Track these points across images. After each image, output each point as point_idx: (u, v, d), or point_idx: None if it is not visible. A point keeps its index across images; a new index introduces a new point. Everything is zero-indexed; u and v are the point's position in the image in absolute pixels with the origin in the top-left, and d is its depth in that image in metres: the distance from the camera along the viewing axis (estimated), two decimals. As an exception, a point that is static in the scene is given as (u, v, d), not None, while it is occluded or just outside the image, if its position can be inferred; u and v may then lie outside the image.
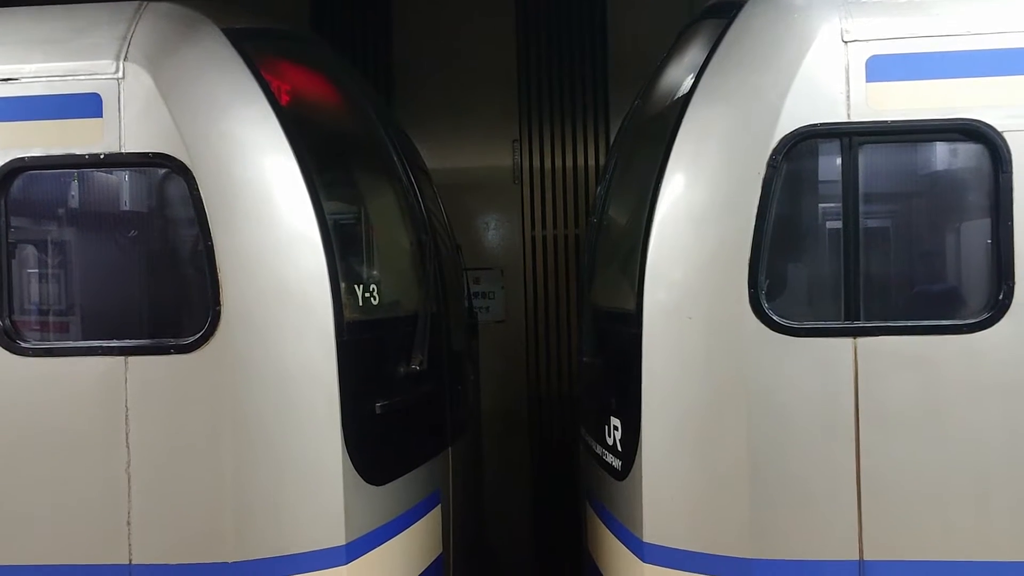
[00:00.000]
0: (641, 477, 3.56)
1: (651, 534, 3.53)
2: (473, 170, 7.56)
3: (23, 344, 3.54)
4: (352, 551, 3.70)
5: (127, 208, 3.71)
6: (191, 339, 3.49)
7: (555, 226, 7.62)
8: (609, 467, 3.94)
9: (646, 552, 3.54)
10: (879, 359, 3.35)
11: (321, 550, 3.63)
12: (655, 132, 3.89)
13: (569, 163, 7.53)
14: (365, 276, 4.11)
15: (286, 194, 3.63)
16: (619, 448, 3.83)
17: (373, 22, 7.55)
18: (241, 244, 3.54)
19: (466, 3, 7.55)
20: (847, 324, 3.39)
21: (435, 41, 7.52)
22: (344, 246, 3.94)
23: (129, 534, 3.50)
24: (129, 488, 3.50)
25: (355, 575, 3.70)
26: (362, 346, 3.87)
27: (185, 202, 3.53)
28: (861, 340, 3.36)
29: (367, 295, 4.04)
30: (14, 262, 3.63)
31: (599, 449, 4.13)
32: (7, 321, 3.55)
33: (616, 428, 3.85)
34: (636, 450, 3.60)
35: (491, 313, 7.63)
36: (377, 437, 3.94)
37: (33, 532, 3.55)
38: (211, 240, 3.49)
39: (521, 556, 7.05)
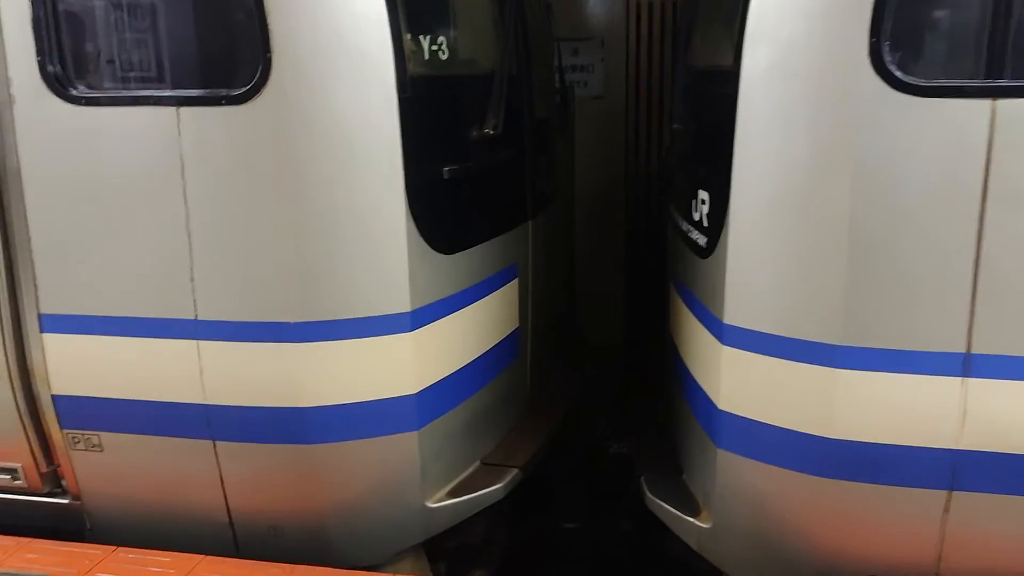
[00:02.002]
0: (726, 253, 3.24)
1: (732, 315, 3.25)
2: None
3: (74, 92, 3.38)
4: (417, 318, 3.59)
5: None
6: (242, 89, 3.25)
7: (663, -9, 6.89)
8: (694, 244, 3.63)
9: (726, 333, 3.28)
10: (1021, 127, 2.82)
11: (385, 315, 3.52)
12: None
13: (679, -85, 6.69)
14: (433, 28, 3.72)
15: (342, -72, 3.22)
16: (705, 223, 3.49)
17: None
18: (292, -16, 3.20)
19: None
20: (987, 83, 2.83)
21: None
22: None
23: (193, 289, 3.46)
24: (190, 244, 3.41)
25: (420, 343, 3.61)
26: (428, 104, 3.56)
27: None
28: (1002, 103, 2.82)
29: (434, 49, 3.67)
30: (64, 7, 3.41)
31: (685, 226, 3.80)
32: (57, 68, 3.38)
33: (703, 202, 3.49)
34: (723, 224, 3.26)
35: (589, 88, 7.13)
36: (445, 203, 3.72)
37: (102, 282, 3.55)
38: (258, -24, 3.15)
39: (611, 339, 6.96)
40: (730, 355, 3.28)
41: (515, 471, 4.13)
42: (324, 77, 3.28)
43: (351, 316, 3.49)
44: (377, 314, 3.51)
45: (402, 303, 3.53)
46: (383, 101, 3.34)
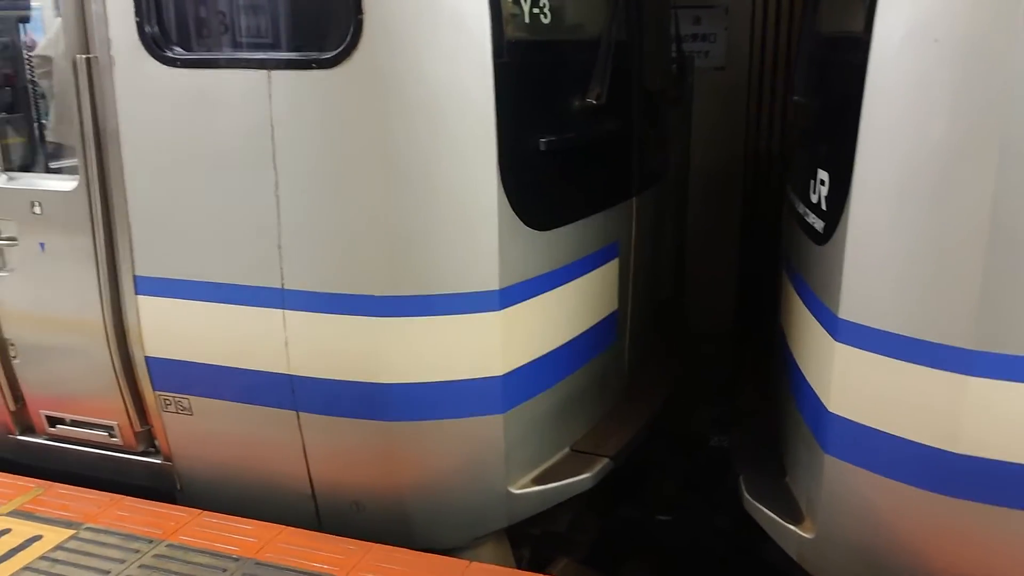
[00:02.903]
0: (844, 240, 2.91)
1: (849, 309, 2.92)
2: None
3: (170, 54, 3.34)
4: (507, 297, 3.42)
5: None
6: (333, 53, 3.13)
7: (797, -44, 6.41)
8: (810, 229, 3.30)
9: (840, 329, 2.96)
10: None
11: (472, 292, 3.37)
12: None
13: None
14: (535, -12, 3.51)
15: None
16: (823, 206, 3.16)
17: None
18: (384, -60, 3.05)
19: None
20: None
21: None
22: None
23: (280, 257, 3.39)
24: (278, 211, 3.34)
25: (509, 322, 3.45)
26: (526, 70, 3.37)
27: None
28: None
29: (536, 11, 3.45)
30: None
31: (801, 208, 3.48)
32: (155, 29, 3.35)
33: (823, 183, 3.17)
34: (843, 208, 2.93)
35: (710, 58, 6.72)
36: (541, 177, 3.52)
37: (192, 246, 3.53)
38: (356, -66, 3.01)
39: (720, 324, 6.62)
40: (844, 353, 2.96)
41: (606, 460, 3.93)
42: (416, 40, 3.13)
43: (438, 292, 3.35)
44: (465, 291, 3.36)
45: (491, 280, 3.36)
46: (477, 66, 3.17)
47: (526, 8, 3.39)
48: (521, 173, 3.36)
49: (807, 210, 3.38)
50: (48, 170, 4.13)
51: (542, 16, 3.48)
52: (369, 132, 3.21)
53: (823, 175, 3.17)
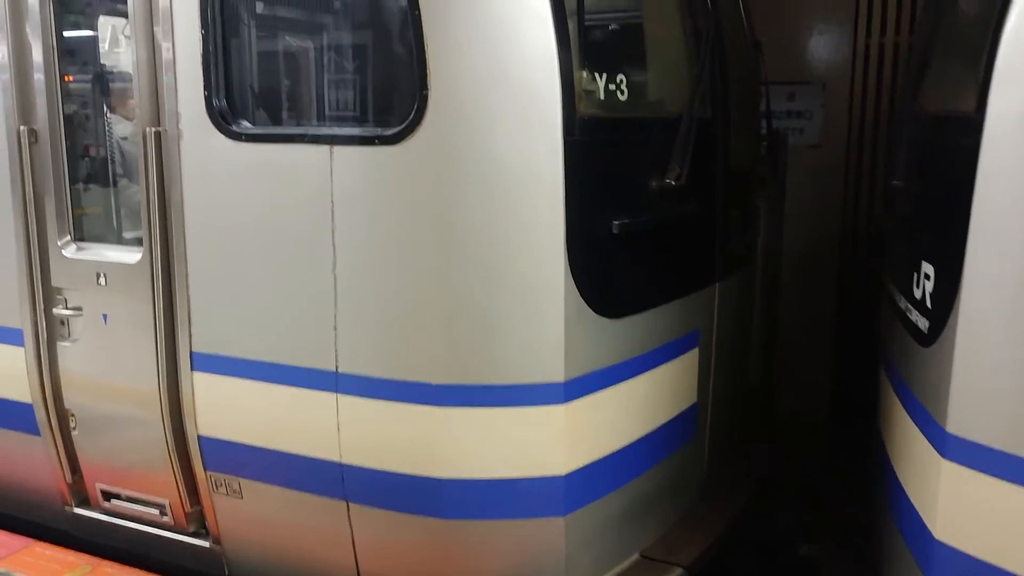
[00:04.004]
0: (953, 343, 2.56)
1: (958, 423, 2.56)
2: (797, -40, 6.23)
3: (236, 128, 3.28)
4: (573, 389, 3.17)
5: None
6: (396, 129, 3.01)
7: (896, 32, 6.11)
8: (913, 327, 2.96)
9: (948, 445, 2.59)
10: None
11: (536, 384, 3.13)
12: None
13: (924, -52, 5.90)
14: (613, 64, 3.33)
15: (511, -44, 2.93)
16: (928, 303, 2.82)
17: None
18: (453, 15, 2.93)
19: None
20: None
21: None
22: (586, 25, 3.18)
23: (335, 339, 3.24)
24: (335, 290, 3.20)
25: (574, 417, 3.19)
26: (599, 148, 3.18)
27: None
28: None
29: (612, 87, 3.27)
30: (231, 44, 3.34)
31: (903, 303, 3.13)
32: (222, 103, 3.30)
33: (927, 276, 2.83)
34: (952, 306, 2.59)
35: (805, 136, 6.44)
36: (613, 261, 3.29)
37: (248, 323, 3.42)
38: (418, 9, 2.91)
39: (812, 418, 6.17)
40: (953, 473, 2.58)
41: (679, 570, 3.60)
42: (483, 116, 2.99)
43: (498, 382, 3.13)
44: (527, 382, 3.13)
45: (556, 371, 3.13)
46: (547, 144, 2.99)
47: (601, 84, 3.22)
48: (591, 257, 3.14)
49: (909, 306, 3.04)
50: (121, 241, 4.12)
51: (618, 92, 3.30)
52: (431, 211, 3.05)
53: (928, 268, 2.84)
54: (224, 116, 3.31)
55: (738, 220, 4.26)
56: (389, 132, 3.02)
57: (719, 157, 3.93)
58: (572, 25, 3.03)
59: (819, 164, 6.37)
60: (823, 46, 6.36)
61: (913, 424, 2.89)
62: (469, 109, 2.97)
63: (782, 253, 5.87)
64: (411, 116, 2.98)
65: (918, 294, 2.94)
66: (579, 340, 3.16)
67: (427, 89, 2.94)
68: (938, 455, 2.64)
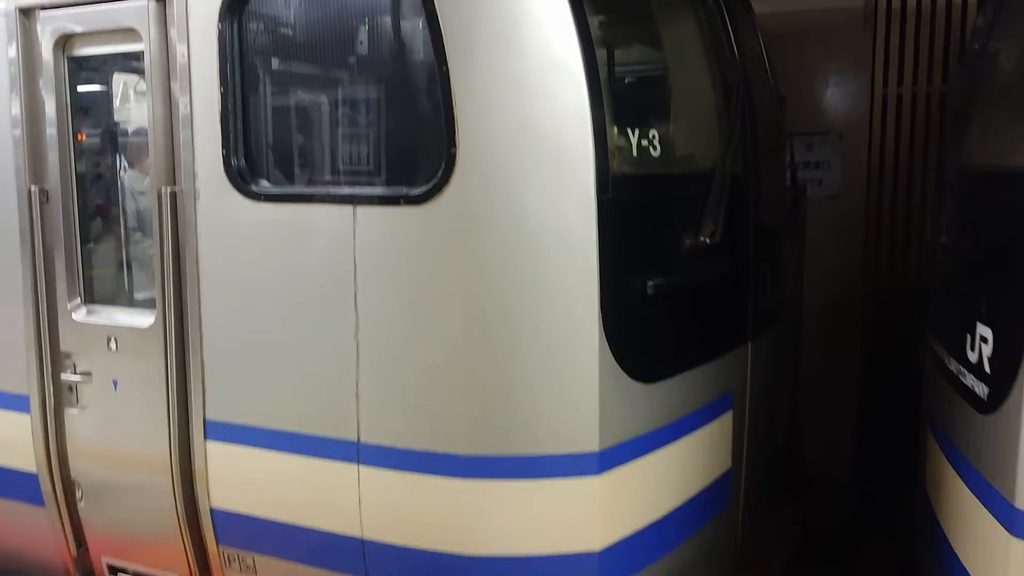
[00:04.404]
0: (1020, 411, 2.41)
1: (1030, 498, 2.40)
2: (813, 12, 6.17)
3: (254, 188, 3.17)
4: (607, 460, 3.01)
5: (361, 39, 3.14)
6: (423, 188, 2.89)
7: (914, 82, 6.04)
8: (969, 393, 2.80)
9: (1018, 523, 2.42)
10: None
11: (568, 455, 2.98)
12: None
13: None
14: (645, 120, 3.23)
15: (540, 11, 2.84)
16: (987, 368, 2.67)
17: None
18: (483, 72, 2.84)
19: None
20: None
21: None
22: (618, 81, 3.09)
23: (357, 408, 3.09)
24: (357, 356, 3.06)
25: (609, 489, 3.02)
26: (633, 207, 3.05)
27: (418, 17, 2.87)
28: None
29: (645, 144, 3.16)
30: (250, 103, 3.24)
31: (955, 366, 2.98)
32: (241, 162, 3.20)
33: (984, 340, 2.69)
34: (1016, 372, 2.44)
35: (823, 187, 6.34)
36: (647, 323, 3.15)
37: (265, 390, 3.27)
38: (446, 65, 2.81)
39: (839, 478, 5.97)
40: (1025, 553, 2.42)
41: (718, 648, 3.39)
42: (513, 175, 2.87)
43: (529, 453, 2.98)
44: (560, 452, 2.97)
45: (590, 441, 2.97)
46: (579, 203, 2.88)
47: (634, 140, 3.11)
48: (626, 320, 3.00)
49: (963, 369, 2.89)
50: (132, 303, 3.98)
51: (651, 149, 3.19)
52: (458, 273, 2.93)
53: (984, 331, 2.69)
54: (243, 175, 3.20)
55: (768, 276, 4.13)
56: (415, 192, 2.91)
57: (750, 212, 3.80)
58: (603, 80, 2.93)
59: (838, 215, 6.26)
60: (840, 96, 6.30)
61: (974, 498, 2.72)
62: (499, 168, 2.86)
63: (803, 308, 5.74)
64: (439, 175, 2.87)
65: (973, 357, 2.79)
66: (614, 407, 3.01)
67: (455, 147, 2.83)
68: (1007, 532, 2.47)
